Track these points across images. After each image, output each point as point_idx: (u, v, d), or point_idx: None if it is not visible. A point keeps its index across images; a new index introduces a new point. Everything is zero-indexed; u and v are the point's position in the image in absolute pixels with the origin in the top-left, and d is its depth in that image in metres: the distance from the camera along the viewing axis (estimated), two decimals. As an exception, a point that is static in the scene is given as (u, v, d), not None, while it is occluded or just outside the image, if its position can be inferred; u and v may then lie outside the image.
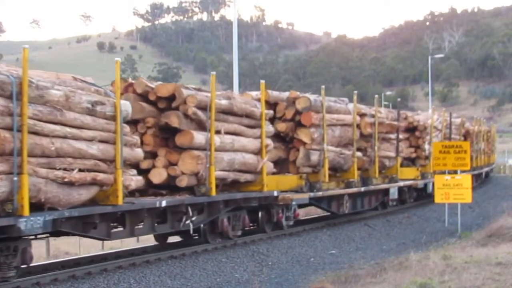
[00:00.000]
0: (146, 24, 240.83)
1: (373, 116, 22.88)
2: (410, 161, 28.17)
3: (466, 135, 37.47)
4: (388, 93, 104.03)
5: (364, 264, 14.76)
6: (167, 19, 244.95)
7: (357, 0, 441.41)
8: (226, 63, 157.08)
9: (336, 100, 21.08)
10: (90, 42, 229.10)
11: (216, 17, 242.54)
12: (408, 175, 26.59)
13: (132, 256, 14.00)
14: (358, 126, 21.71)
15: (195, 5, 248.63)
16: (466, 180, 21.16)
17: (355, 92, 21.57)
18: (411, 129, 28.10)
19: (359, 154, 21.60)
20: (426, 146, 28.00)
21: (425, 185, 27.90)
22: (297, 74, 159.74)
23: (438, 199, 21.24)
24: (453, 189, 20.83)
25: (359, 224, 21.67)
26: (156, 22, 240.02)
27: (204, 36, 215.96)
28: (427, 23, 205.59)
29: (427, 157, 28.15)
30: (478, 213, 26.13)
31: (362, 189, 21.58)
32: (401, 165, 26.12)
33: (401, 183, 25.03)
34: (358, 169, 21.59)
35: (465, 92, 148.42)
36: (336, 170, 20.91)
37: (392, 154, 24.73)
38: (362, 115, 22.20)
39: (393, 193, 24.27)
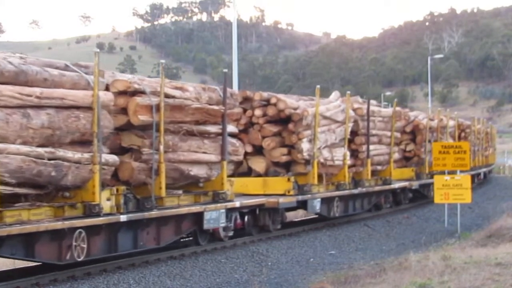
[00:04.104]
0: (146, 24, 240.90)
1: (157, 94, 13.56)
2: (283, 167, 19.22)
3: (416, 131, 28.16)
4: (388, 93, 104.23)
5: (364, 265, 14.77)
6: (166, 19, 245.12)
7: (357, 1, 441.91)
8: (225, 64, 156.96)
9: (69, 66, 12.39)
10: (90, 43, 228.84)
11: (216, 17, 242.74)
12: (275, 189, 18.36)
13: (131, 257, 13.99)
14: (125, 110, 13.20)
15: (195, 6, 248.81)
16: (465, 180, 21.17)
17: (96, 51, 12.42)
18: (284, 120, 18.91)
19: (112, 157, 12.71)
20: (305, 146, 18.83)
21: (304, 202, 18.78)
22: (296, 75, 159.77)
23: (437, 199, 21.25)
24: (453, 189, 20.85)
25: (359, 225, 21.68)
26: (156, 23, 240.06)
27: (203, 36, 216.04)
28: (427, 24, 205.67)
29: (307, 161, 19.02)
30: (478, 214, 26.12)
31: (123, 218, 12.59)
32: (266, 174, 18.89)
33: (237, 203, 16.00)
34: (125, 182, 13.16)
35: (464, 92, 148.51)
36: (41, 187, 11.51)
37: (213, 157, 15.32)
38: (132, 93, 13.26)
39: (215, 220, 15.14)
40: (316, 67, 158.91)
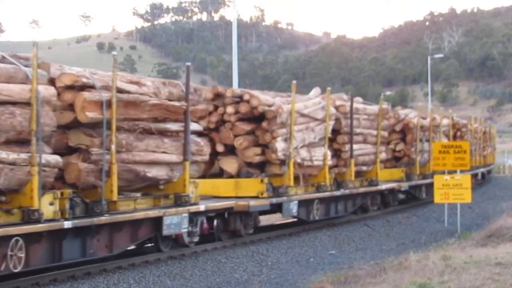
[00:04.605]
0: (146, 24, 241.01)
1: (110, 89, 12.42)
2: (257, 168, 17.78)
3: (406, 130, 26.92)
4: (388, 93, 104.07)
5: (364, 265, 14.76)
6: (166, 19, 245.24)
7: (357, 0, 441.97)
8: (225, 63, 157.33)
9: (5, 58, 11.20)
10: (90, 42, 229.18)
11: (216, 17, 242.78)
12: (247, 191, 17.06)
13: (131, 256, 13.98)
14: (72, 106, 12.03)
15: (195, 5, 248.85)
16: (465, 180, 21.17)
17: (35, 41, 11.09)
18: (258, 118, 17.57)
19: (55, 158, 11.48)
20: (280, 145, 17.46)
21: (279, 205, 17.56)
22: (296, 74, 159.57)
23: (437, 199, 21.25)
24: (453, 189, 20.85)
25: (359, 225, 21.67)
26: (156, 22, 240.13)
27: (203, 36, 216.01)
28: (427, 23, 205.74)
29: (283, 162, 17.69)
30: (478, 213, 26.12)
31: (67, 224, 11.46)
32: (239, 175, 17.46)
33: (201, 207, 14.73)
34: (72, 185, 12.02)
35: (464, 92, 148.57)
36: None
37: (174, 157, 14.05)
38: (80, 88, 12.15)
39: (176, 225, 13.96)
40: (316, 67, 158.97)
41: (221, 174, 17.60)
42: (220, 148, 17.48)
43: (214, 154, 17.13)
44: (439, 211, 24.25)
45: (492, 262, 12.38)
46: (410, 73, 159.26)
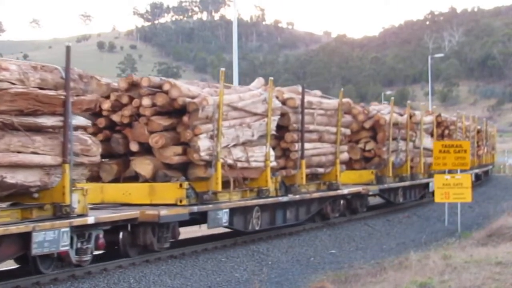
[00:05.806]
0: (146, 23, 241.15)
1: None
2: (179, 171, 14.97)
3: (377, 128, 23.72)
4: (388, 92, 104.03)
5: (364, 264, 14.77)
6: (167, 18, 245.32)
7: (357, 0, 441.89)
8: (226, 63, 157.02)
9: None
10: (90, 42, 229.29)
11: (216, 16, 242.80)
12: (164, 197, 14.27)
13: (131, 256, 13.96)
14: None
15: (195, 5, 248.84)
16: (466, 179, 21.18)
17: None
18: (180, 112, 14.79)
19: None
20: (203, 143, 14.63)
21: (204, 214, 14.62)
22: (297, 74, 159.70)
23: (438, 198, 21.26)
24: (453, 188, 20.86)
25: (359, 224, 21.68)
26: (156, 22, 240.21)
27: (204, 35, 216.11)
28: (427, 23, 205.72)
29: (209, 163, 14.86)
30: (478, 213, 26.13)
31: None
32: (155, 178, 14.57)
33: (89, 219, 11.84)
34: None
35: (465, 91, 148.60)
36: None
37: (49, 158, 11.21)
38: None
39: (52, 242, 11.04)
40: (317, 66, 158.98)
41: (138, 177, 14.96)
42: (134, 147, 14.84)
43: (129, 154, 14.93)
44: (440, 211, 24.26)
45: (492, 262, 12.39)
46: (410, 72, 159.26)
